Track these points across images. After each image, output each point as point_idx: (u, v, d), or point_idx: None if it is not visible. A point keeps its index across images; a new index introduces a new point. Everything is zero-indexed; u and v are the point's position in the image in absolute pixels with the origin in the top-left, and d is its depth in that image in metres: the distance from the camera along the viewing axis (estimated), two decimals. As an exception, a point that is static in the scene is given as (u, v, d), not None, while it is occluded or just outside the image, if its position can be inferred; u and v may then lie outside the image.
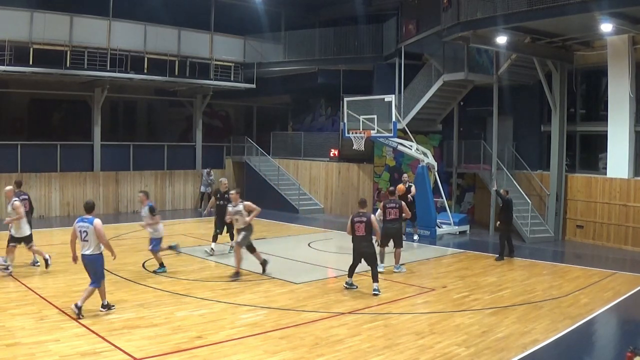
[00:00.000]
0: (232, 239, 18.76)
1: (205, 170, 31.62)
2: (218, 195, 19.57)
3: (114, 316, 11.81)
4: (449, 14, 22.38)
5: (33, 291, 13.66)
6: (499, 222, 19.87)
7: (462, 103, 27.72)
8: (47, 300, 12.91)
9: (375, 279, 14.53)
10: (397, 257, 17.28)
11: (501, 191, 20.21)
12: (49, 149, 27.93)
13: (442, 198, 25.08)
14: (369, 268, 14.60)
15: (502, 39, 21.15)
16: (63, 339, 10.48)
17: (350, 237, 14.68)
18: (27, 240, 15.59)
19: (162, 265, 16.23)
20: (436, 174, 24.63)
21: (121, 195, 29.76)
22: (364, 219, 14.35)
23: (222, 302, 13.27)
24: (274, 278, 15.87)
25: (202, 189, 31.51)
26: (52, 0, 26.32)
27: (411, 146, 24.59)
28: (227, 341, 10.68)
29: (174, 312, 12.39)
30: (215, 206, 19.49)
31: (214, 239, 19.35)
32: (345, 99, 25.71)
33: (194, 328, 11.34)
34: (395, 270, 17.09)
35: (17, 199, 15.66)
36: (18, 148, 26.97)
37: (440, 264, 19.34)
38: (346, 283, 14.92)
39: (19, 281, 14.74)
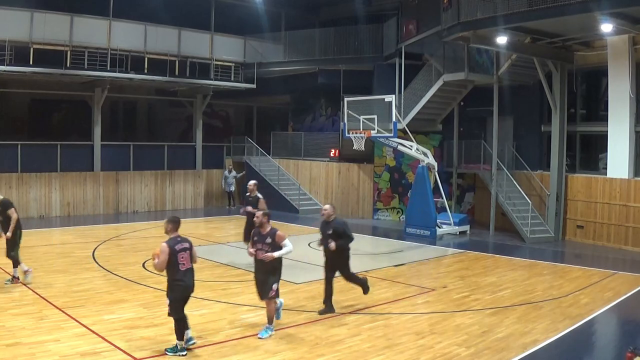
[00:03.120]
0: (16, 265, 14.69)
1: (228, 169, 32.06)
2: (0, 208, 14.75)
3: (114, 316, 11.79)
4: (449, 14, 22.37)
5: (33, 291, 13.65)
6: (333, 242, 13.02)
7: (462, 103, 27.72)
8: (47, 300, 12.90)
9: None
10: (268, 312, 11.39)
11: (323, 217, 13.76)
12: (49, 149, 27.86)
13: (442, 198, 25.06)
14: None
15: (502, 39, 21.14)
16: (63, 339, 10.48)
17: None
18: None
19: None
20: (436, 174, 24.63)
21: (121, 195, 29.72)
22: (186, 244, 10.39)
23: (222, 302, 13.26)
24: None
25: (228, 188, 31.85)
26: (52, 0, 26.36)
27: (411, 146, 24.59)
28: (227, 341, 10.68)
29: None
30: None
31: (15, 264, 14.65)
32: (346, 99, 25.69)
33: (194, 328, 11.22)
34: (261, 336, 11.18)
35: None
36: (18, 148, 26.94)
37: (441, 264, 19.34)
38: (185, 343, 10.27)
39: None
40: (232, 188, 31.83)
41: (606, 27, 19.37)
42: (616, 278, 16.99)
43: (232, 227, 26.39)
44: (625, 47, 21.59)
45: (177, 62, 29.54)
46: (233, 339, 10.83)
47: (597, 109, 24.66)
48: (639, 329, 12.68)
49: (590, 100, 25.41)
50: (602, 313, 13.34)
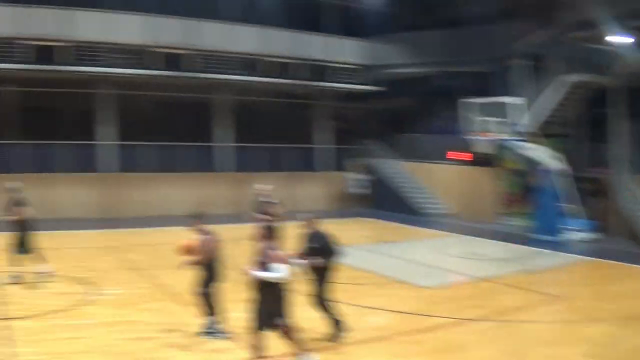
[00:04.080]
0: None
1: (353, 171, 32.30)
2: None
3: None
4: (572, 13, 21.85)
5: (162, 288, 14.41)
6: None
7: (588, 105, 27.06)
8: (174, 298, 13.54)
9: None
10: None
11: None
12: (175, 150, 29.56)
13: (570, 203, 24.60)
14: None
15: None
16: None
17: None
18: None
19: None
20: (563, 178, 24.22)
21: (241, 196, 30.41)
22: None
23: (349, 305, 13.03)
24: (399, 281, 16.01)
25: (353, 190, 32.29)
26: (169, 6, 27.87)
27: (537, 150, 24.26)
28: (352, 344, 10.78)
29: (297, 314, 12.61)
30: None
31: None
32: (468, 101, 25.61)
33: (309, 330, 11.23)
34: None
35: None
36: (150, 149, 28.80)
37: (567, 271, 18.98)
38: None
39: (149, 278, 15.52)
40: (359, 190, 32.03)
41: None
42: None
43: (361, 229, 26.63)
44: None
45: (300, 65, 30.07)
46: (358, 342, 10.96)
47: None
48: None
49: None
50: None
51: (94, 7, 26.88)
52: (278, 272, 9.03)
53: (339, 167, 33.77)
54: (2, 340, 10.58)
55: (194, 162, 29.94)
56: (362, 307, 13.38)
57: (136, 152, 28.68)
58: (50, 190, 27.01)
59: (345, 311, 12.41)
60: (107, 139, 28.53)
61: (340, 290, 14.34)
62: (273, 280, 9.04)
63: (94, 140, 28.63)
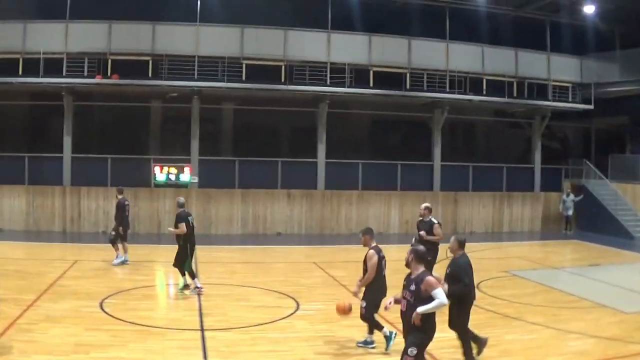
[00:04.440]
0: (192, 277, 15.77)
1: (566, 192, 31.25)
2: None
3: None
4: None
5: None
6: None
7: None
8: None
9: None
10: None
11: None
12: (389, 169, 29.43)
13: None
14: None
15: None
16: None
17: None
18: None
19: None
20: None
21: (459, 216, 30.10)
22: (383, 253, 11.43)
23: (551, 328, 12.82)
24: (602, 305, 15.13)
25: (565, 212, 31.05)
26: (389, 25, 27.94)
27: None
28: None
29: (502, 335, 12.23)
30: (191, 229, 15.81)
31: (188, 276, 15.78)
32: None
33: (521, 353, 11.17)
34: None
35: None
36: (359, 166, 28.81)
37: None
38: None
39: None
40: (570, 212, 30.79)
41: None
42: None
43: (569, 252, 25.73)
44: None
45: (514, 83, 29.44)
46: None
47: None
48: None
49: None
50: None
51: (313, 27, 27.68)
52: (438, 300, 8.17)
53: (551, 188, 32.48)
54: (198, 351, 11.02)
55: (407, 180, 29.91)
56: (563, 331, 12.81)
57: (345, 169, 29.03)
58: (269, 206, 28.14)
59: (547, 334, 12.50)
60: (321, 157, 29.02)
61: (546, 314, 14.39)
62: (429, 311, 8.21)
63: (314, 158, 29.06)
